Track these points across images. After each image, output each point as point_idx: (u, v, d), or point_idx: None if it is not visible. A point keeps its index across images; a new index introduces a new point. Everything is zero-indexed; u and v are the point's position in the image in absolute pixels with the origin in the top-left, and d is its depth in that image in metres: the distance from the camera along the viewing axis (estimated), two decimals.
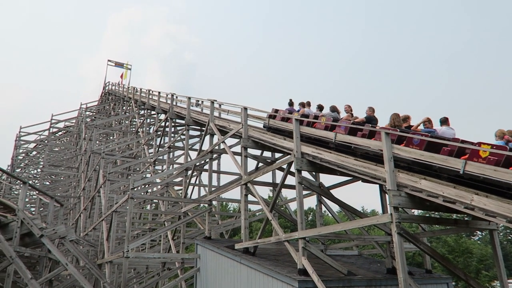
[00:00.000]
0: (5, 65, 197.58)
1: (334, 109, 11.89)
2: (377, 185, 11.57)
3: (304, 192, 14.02)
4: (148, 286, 19.52)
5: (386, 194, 11.20)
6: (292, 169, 10.41)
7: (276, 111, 13.55)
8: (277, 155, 15.96)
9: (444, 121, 8.64)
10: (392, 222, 7.27)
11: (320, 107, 12.57)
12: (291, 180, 11.11)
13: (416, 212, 13.41)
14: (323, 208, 13.94)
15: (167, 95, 22.76)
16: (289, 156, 10.72)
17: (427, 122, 8.68)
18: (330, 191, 12.58)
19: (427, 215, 28.69)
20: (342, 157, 9.27)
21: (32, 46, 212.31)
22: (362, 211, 58.08)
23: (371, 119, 10.14)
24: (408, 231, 7.48)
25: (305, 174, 13.02)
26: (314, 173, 14.35)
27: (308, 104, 13.16)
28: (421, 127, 8.75)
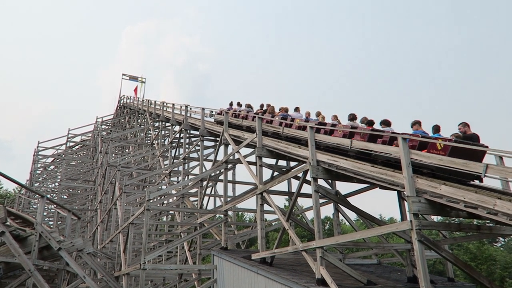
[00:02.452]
0: (22, 80, 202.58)
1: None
2: (395, 192, 11.37)
3: (321, 201, 13.85)
4: None
5: (405, 201, 11.04)
6: (308, 177, 10.29)
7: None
8: (292, 163, 15.88)
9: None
10: (412, 229, 7.09)
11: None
12: (307, 188, 10.98)
13: (436, 218, 13.12)
14: (340, 217, 13.73)
15: (181, 107, 22.93)
16: (304, 164, 10.60)
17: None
18: (347, 198, 12.41)
19: (448, 221, 28.06)
20: (359, 164, 9.12)
21: (49, 60, 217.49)
22: (380, 218, 57.21)
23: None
24: (429, 238, 7.27)
25: (321, 182, 12.94)
26: (330, 181, 14.23)
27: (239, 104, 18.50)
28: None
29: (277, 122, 13.89)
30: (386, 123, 10.45)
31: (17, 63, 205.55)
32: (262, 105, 17.14)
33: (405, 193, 7.53)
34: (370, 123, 10.80)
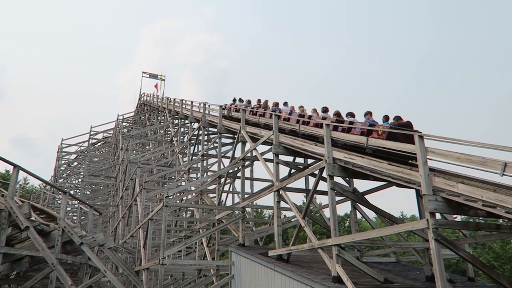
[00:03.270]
0: (46, 79, 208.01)
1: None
2: (414, 190, 11.23)
3: (339, 198, 13.82)
4: None
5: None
6: (324, 174, 10.28)
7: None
8: (310, 160, 15.85)
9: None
10: (428, 228, 7.01)
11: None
12: (324, 186, 10.97)
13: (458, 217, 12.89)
14: (359, 215, 13.65)
15: (199, 104, 23.15)
16: (320, 162, 10.59)
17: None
18: (366, 196, 12.32)
19: (472, 219, 27.48)
20: (375, 162, 9.06)
21: (71, 59, 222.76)
22: (401, 216, 56.37)
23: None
24: (446, 237, 7.18)
25: (339, 179, 12.90)
26: (348, 178, 14.15)
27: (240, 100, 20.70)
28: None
29: (294, 120, 13.99)
30: (351, 114, 12.20)
31: (40, 62, 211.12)
32: (259, 100, 18.91)
33: (421, 191, 7.43)
34: (337, 114, 12.65)
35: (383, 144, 8.99)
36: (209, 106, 21.82)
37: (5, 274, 13.55)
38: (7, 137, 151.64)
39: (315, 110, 14.38)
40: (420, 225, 7.36)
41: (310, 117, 13.25)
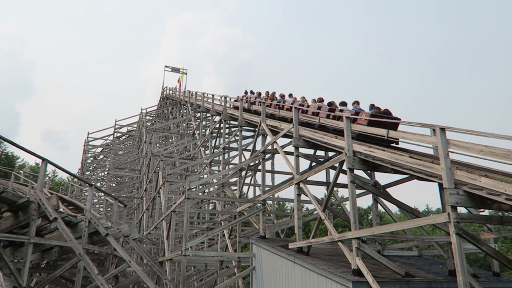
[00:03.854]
0: (73, 74, 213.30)
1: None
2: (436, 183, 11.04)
3: (360, 191, 13.73)
4: (207, 283, 20.12)
5: None
6: (345, 167, 10.23)
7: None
8: (331, 153, 15.78)
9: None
10: (449, 222, 6.91)
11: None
12: (345, 179, 10.93)
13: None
14: (380, 208, 13.53)
15: (220, 97, 23.32)
16: (340, 155, 10.53)
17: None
18: (389, 189, 12.18)
19: (500, 213, 26.76)
20: (396, 155, 8.95)
21: (97, 55, 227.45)
22: (426, 209, 55.40)
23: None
24: (468, 232, 7.07)
25: (361, 172, 12.82)
26: (369, 171, 14.02)
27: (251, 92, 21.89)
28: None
29: (310, 112, 14.10)
30: (343, 104, 13.54)
31: (68, 60, 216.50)
32: (267, 93, 20.24)
33: (443, 184, 7.32)
34: (329, 104, 14.16)
35: (404, 136, 8.88)
36: (230, 99, 21.95)
37: (36, 263, 14.16)
38: (38, 131, 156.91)
39: (314, 101, 15.53)
40: (441, 219, 7.26)
41: (319, 107, 14.37)
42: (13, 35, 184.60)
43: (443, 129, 7.45)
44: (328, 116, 13.16)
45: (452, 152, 7.39)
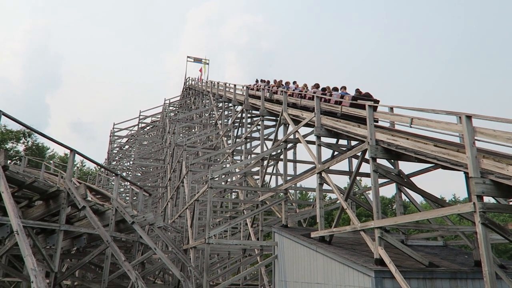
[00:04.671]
0: (99, 68, 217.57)
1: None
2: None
3: (384, 180, 13.56)
4: (230, 271, 20.43)
5: None
6: (367, 156, 10.13)
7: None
8: (354, 142, 15.61)
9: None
10: (475, 211, 6.78)
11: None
12: (368, 168, 10.82)
13: None
14: (405, 197, 13.35)
15: (242, 87, 23.35)
16: (363, 143, 10.43)
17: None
18: (414, 178, 12.01)
19: None
20: (420, 143, 8.80)
21: (122, 48, 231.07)
22: (454, 199, 54.21)
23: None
24: (494, 221, 6.92)
25: (384, 161, 12.66)
26: (393, 160, 13.83)
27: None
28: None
29: (333, 101, 13.98)
30: (335, 89, 15.23)
31: (94, 54, 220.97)
32: (275, 81, 21.48)
33: (468, 173, 7.17)
34: (323, 89, 15.93)
35: (428, 124, 8.69)
36: (252, 89, 21.95)
37: (67, 250, 14.74)
38: (66, 122, 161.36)
39: (314, 86, 17.06)
40: (466, 208, 7.13)
41: (328, 93, 15.56)
42: (41, 29, 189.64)
43: (469, 117, 7.27)
44: (351, 105, 13.17)
45: (478, 140, 7.22)
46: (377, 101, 12.65)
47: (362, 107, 11.16)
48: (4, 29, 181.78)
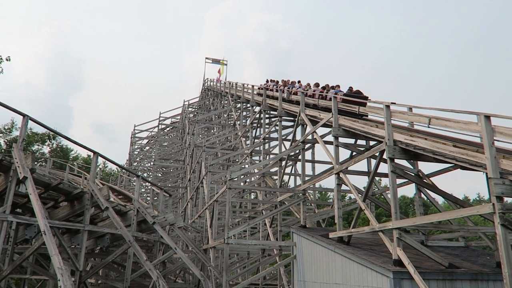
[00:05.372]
0: (119, 68, 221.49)
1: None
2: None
3: (403, 180, 13.45)
4: (249, 270, 20.59)
5: None
6: (385, 157, 10.10)
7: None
8: (372, 142, 15.54)
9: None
10: (494, 212, 6.72)
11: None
12: (386, 168, 10.79)
13: None
14: (425, 197, 13.21)
15: (259, 88, 23.47)
16: (381, 144, 10.40)
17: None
18: (435, 177, 11.88)
19: None
20: (439, 144, 8.74)
21: (142, 51, 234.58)
22: (478, 198, 52.95)
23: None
24: None
25: (404, 162, 12.56)
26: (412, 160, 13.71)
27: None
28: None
29: (328, 98, 15.29)
30: (317, 85, 18.01)
31: (114, 55, 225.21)
32: (283, 80, 22.59)
33: (487, 174, 7.09)
34: (322, 87, 17.78)
35: (446, 124, 8.63)
36: (270, 90, 22.05)
37: (91, 249, 15.16)
38: (89, 123, 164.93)
39: (314, 85, 18.59)
40: (485, 209, 7.07)
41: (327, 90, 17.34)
42: (63, 32, 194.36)
43: (487, 117, 7.20)
44: (343, 101, 14.88)
45: (498, 141, 7.15)
46: (366, 98, 14.74)
47: (353, 102, 14.01)
48: (28, 34, 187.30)
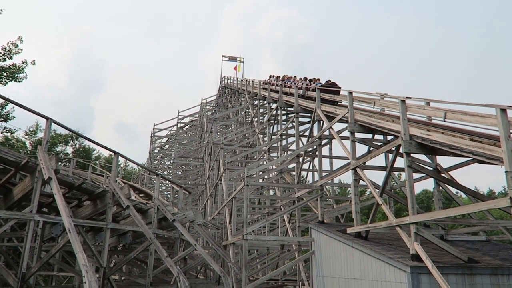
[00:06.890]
0: (138, 68, 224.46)
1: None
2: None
3: (422, 175, 13.34)
4: (269, 266, 20.77)
5: None
6: (401, 152, 10.06)
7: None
8: (390, 137, 15.42)
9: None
10: (511, 206, 6.67)
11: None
12: (403, 162, 10.73)
13: None
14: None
15: (275, 85, 23.53)
16: (397, 139, 10.37)
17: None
18: (454, 171, 11.74)
19: None
20: (456, 138, 8.66)
21: (162, 52, 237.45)
22: (503, 191, 51.72)
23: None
24: None
25: (422, 156, 12.44)
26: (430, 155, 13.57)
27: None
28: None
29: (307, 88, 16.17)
30: (305, 79, 20.82)
31: (133, 56, 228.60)
32: (284, 75, 24.54)
33: (504, 168, 7.03)
34: (309, 80, 20.55)
35: (462, 118, 8.56)
36: (285, 86, 22.08)
37: (114, 246, 15.61)
38: (110, 124, 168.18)
39: (303, 79, 20.97)
40: (502, 203, 7.02)
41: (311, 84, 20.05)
42: (85, 34, 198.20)
43: (504, 110, 7.12)
44: (321, 91, 17.07)
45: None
46: (338, 87, 17.64)
47: (330, 92, 17.33)
48: (52, 37, 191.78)
